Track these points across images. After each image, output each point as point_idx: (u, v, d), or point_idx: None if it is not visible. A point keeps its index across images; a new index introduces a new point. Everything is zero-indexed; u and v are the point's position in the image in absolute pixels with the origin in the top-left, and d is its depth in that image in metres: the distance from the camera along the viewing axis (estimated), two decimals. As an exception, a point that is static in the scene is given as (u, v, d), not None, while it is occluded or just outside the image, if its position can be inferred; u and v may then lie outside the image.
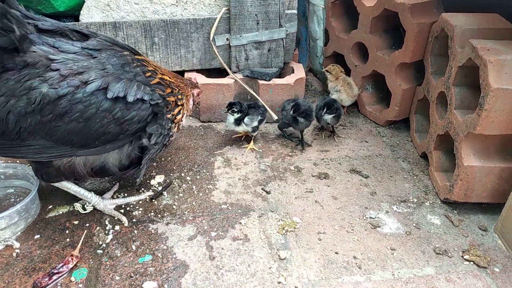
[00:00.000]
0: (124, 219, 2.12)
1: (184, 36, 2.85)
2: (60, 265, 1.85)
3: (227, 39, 2.91)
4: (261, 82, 2.94)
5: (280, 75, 3.13)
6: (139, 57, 2.04)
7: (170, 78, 2.15)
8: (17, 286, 1.76)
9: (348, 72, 3.23)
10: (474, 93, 2.22)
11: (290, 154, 2.72)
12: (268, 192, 2.35)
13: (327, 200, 2.31)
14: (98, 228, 2.08)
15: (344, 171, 2.56)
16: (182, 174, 2.48)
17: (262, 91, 2.95)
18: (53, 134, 1.76)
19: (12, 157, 1.88)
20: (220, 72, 3.04)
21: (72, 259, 1.88)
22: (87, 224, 2.10)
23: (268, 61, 3.05)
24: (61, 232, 2.05)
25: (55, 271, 1.82)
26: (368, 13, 2.87)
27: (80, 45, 1.85)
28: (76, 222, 2.11)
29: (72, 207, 2.20)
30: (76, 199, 2.21)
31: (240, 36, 2.89)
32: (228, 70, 2.97)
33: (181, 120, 2.22)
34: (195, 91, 2.39)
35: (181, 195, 2.32)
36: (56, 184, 2.07)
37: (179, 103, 2.15)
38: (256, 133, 2.76)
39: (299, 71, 3.09)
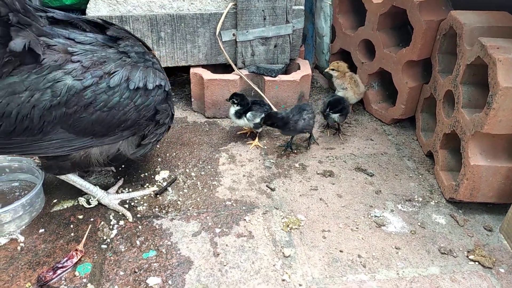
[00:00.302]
0: (128, 214, 2.12)
1: (191, 31, 2.83)
2: (65, 259, 1.85)
3: (234, 35, 2.90)
4: (267, 78, 2.93)
5: (286, 71, 3.11)
6: (153, 53, 2.12)
7: None
8: (21, 280, 1.77)
9: (354, 69, 3.21)
10: (482, 91, 2.20)
11: (295, 151, 2.71)
12: (272, 189, 2.35)
13: (331, 198, 2.30)
14: (102, 223, 2.08)
15: (349, 169, 2.55)
16: (187, 170, 2.48)
17: (268, 88, 2.94)
18: (76, 125, 1.78)
19: (32, 154, 1.86)
20: (225, 68, 3.03)
21: (76, 253, 1.88)
22: (92, 219, 2.11)
23: (274, 57, 3.03)
24: (66, 226, 2.06)
25: (60, 266, 1.83)
26: (375, 10, 2.85)
27: (94, 36, 1.86)
28: (80, 217, 2.12)
29: (76, 201, 2.20)
30: (80, 193, 2.21)
31: (247, 32, 2.88)
32: (234, 66, 2.96)
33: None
34: None
35: (185, 191, 2.32)
36: (63, 177, 2.08)
37: None
38: (260, 129, 2.75)
39: (305, 68, 3.07)
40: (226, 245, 1.97)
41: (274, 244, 1.99)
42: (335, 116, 2.73)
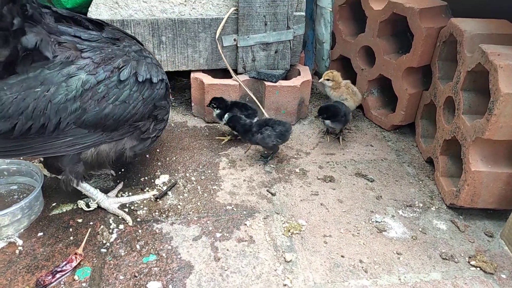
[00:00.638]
0: (128, 218, 2.10)
1: (192, 35, 2.84)
2: (64, 263, 1.83)
3: (235, 40, 2.91)
4: (267, 83, 2.93)
5: (286, 77, 3.12)
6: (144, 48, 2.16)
7: None
8: (19, 283, 1.75)
9: (354, 75, 3.22)
10: (483, 98, 2.21)
11: (295, 156, 2.71)
12: (273, 194, 2.34)
13: (332, 203, 2.30)
14: (102, 226, 2.06)
15: (349, 174, 2.55)
16: (187, 174, 2.47)
17: (268, 93, 2.94)
18: (90, 120, 1.82)
19: (44, 154, 1.85)
20: (226, 73, 3.03)
21: (75, 257, 1.86)
22: (91, 223, 2.09)
23: (274, 63, 3.04)
24: (65, 230, 2.04)
25: (59, 269, 1.80)
26: (376, 16, 2.87)
27: (97, 34, 1.91)
28: (80, 220, 2.10)
29: (76, 205, 2.18)
30: (79, 196, 2.19)
31: (248, 37, 2.88)
32: (232, 73, 2.96)
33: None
34: None
35: (186, 195, 2.30)
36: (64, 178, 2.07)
37: None
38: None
39: (306, 74, 3.08)
40: (227, 250, 1.96)
41: (275, 249, 1.98)
42: (327, 122, 2.75)
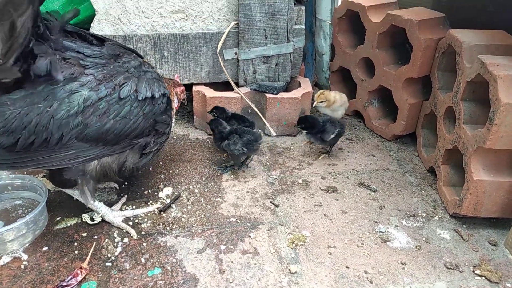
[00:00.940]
0: (132, 231, 2.11)
1: (193, 49, 2.88)
2: (69, 277, 1.83)
3: (236, 53, 2.94)
4: (268, 95, 2.96)
5: (287, 89, 3.15)
6: (144, 60, 2.18)
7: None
8: (25, 298, 1.75)
9: (354, 86, 3.26)
10: (483, 108, 2.23)
11: (298, 167, 2.72)
12: (276, 206, 2.35)
13: (336, 213, 2.30)
14: (106, 240, 2.06)
15: (352, 184, 2.56)
16: (190, 187, 2.48)
17: (269, 105, 2.97)
18: (91, 135, 1.84)
19: (47, 167, 1.89)
20: (227, 86, 3.06)
21: (81, 271, 1.86)
22: (96, 236, 2.09)
23: (275, 75, 3.07)
24: (70, 244, 2.04)
25: (64, 284, 1.81)
26: (375, 28, 2.91)
27: (99, 50, 1.93)
28: (84, 234, 2.10)
29: (80, 219, 2.19)
30: (83, 210, 2.20)
31: (249, 51, 2.92)
32: (233, 85, 2.99)
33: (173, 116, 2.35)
34: (178, 89, 2.50)
35: (189, 207, 2.31)
36: (69, 191, 2.09)
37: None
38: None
39: (306, 85, 3.11)
40: (232, 262, 1.96)
41: (280, 260, 1.98)
42: (304, 133, 2.78)
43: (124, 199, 2.34)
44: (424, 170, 2.74)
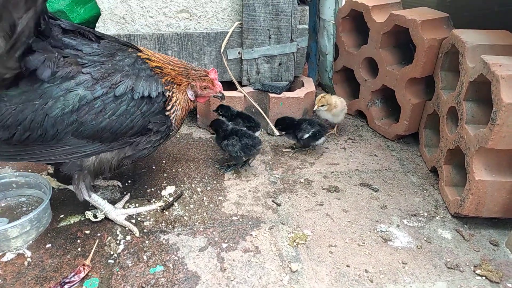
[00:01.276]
0: (135, 229, 2.13)
1: (197, 49, 2.89)
2: (72, 274, 1.86)
3: (239, 53, 2.95)
4: (271, 95, 2.97)
5: (290, 88, 3.16)
6: (140, 54, 2.08)
7: (163, 64, 2.12)
8: (29, 294, 1.77)
9: (357, 86, 3.26)
10: (485, 108, 2.23)
11: (300, 166, 2.73)
12: (278, 204, 2.36)
13: (337, 213, 2.31)
14: (109, 238, 2.08)
15: (354, 184, 2.56)
16: (193, 185, 2.50)
17: (272, 104, 2.98)
18: (86, 132, 1.86)
19: (45, 160, 1.94)
20: (231, 85, 3.08)
21: (83, 268, 1.88)
22: (99, 234, 2.11)
23: (278, 75, 3.08)
24: (73, 241, 2.06)
25: (67, 281, 1.83)
26: (378, 28, 2.91)
27: (98, 47, 1.94)
28: (87, 232, 2.12)
29: (83, 216, 2.21)
30: (87, 208, 2.22)
31: (252, 50, 2.93)
32: (237, 85, 3.01)
33: (173, 113, 2.16)
34: (198, 83, 2.23)
35: (192, 206, 2.33)
36: (72, 188, 2.10)
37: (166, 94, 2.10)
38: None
39: (309, 85, 3.12)
40: (233, 260, 1.97)
41: (281, 259, 1.99)
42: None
43: (127, 197, 2.36)
44: (426, 170, 2.74)
